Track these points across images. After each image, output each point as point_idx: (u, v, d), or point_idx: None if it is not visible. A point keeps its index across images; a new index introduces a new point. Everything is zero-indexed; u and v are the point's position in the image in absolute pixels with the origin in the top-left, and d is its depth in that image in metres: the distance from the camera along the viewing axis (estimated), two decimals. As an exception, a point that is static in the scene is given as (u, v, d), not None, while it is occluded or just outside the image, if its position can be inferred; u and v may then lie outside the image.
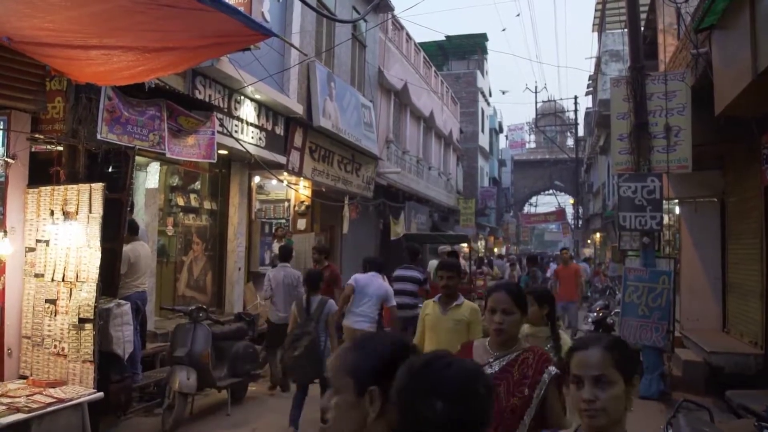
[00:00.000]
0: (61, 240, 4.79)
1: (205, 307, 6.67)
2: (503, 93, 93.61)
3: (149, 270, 6.58)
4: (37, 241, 4.91)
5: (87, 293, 4.62)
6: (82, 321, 4.61)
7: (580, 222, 34.14)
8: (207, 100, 7.68)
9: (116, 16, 3.52)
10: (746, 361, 6.76)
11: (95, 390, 4.50)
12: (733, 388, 5.61)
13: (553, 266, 14.82)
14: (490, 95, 34.79)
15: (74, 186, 4.85)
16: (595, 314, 8.48)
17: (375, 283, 6.33)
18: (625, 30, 8.04)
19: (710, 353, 6.97)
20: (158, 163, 7.61)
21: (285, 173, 10.17)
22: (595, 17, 22.98)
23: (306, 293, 5.68)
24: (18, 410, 3.97)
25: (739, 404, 5.02)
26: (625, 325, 7.24)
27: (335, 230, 13.48)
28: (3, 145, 4.88)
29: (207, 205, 9.22)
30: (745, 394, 5.34)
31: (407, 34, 17.93)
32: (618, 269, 14.98)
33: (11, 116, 4.84)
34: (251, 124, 9.01)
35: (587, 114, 32.17)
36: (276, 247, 10.28)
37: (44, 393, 4.34)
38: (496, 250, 32.31)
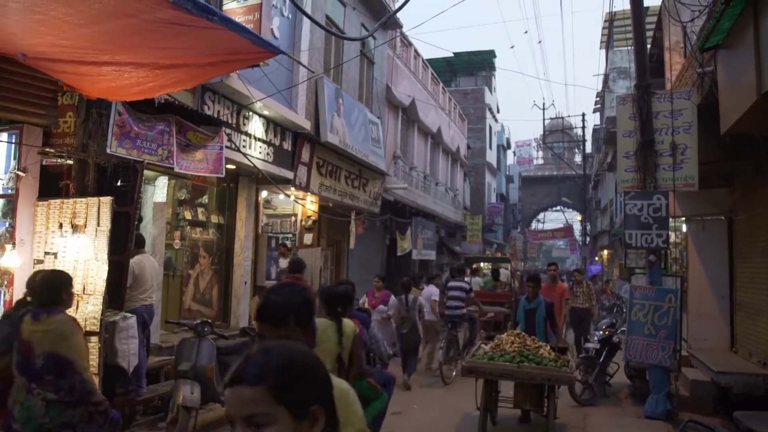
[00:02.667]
0: (69, 252, 4.84)
1: (210, 321, 6.67)
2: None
3: (156, 283, 6.61)
4: (46, 253, 4.97)
5: (93, 306, 4.66)
6: (88, 334, 4.63)
7: (588, 239, 34.01)
8: (216, 115, 7.77)
9: (128, 34, 3.60)
10: (755, 381, 6.67)
11: (100, 403, 4.51)
12: (741, 408, 5.55)
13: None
14: (498, 111, 34.92)
15: (83, 199, 4.92)
16: (601, 332, 8.41)
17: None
18: (632, 48, 8.08)
19: (718, 373, 6.89)
20: (166, 177, 7.68)
21: (292, 188, 10.23)
22: (602, 35, 23.12)
23: (403, 294, 8.64)
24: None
25: (747, 427, 4.96)
26: (632, 344, 7.19)
27: (342, 245, 13.51)
28: (14, 159, 4.98)
29: (214, 218, 9.28)
30: (754, 415, 5.28)
31: (415, 51, 18.08)
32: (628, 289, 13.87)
33: (23, 130, 4.94)
34: (259, 140, 9.10)
35: (595, 130, 32.22)
36: (282, 262, 10.32)
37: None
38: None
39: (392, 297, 8.78)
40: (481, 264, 18.95)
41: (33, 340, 3.27)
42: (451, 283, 10.06)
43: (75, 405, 3.24)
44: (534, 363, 5.47)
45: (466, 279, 11.57)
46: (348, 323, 3.48)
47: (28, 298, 3.76)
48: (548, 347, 5.94)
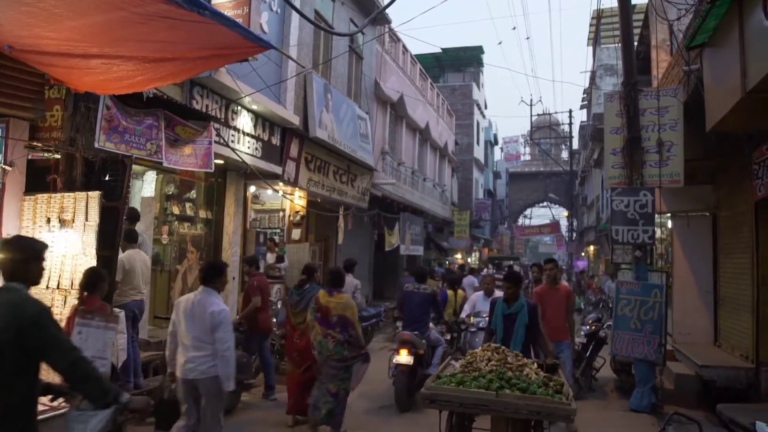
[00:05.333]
0: (57, 248, 4.80)
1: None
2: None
3: (146, 279, 6.58)
4: (33, 248, 4.91)
5: (82, 301, 4.62)
6: (77, 328, 4.61)
7: (574, 235, 34.26)
8: (204, 110, 7.72)
9: (117, 27, 3.57)
10: (737, 374, 6.80)
11: (88, 398, 4.48)
12: (724, 401, 5.65)
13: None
14: (486, 107, 35.03)
15: (71, 194, 4.88)
16: (588, 327, 8.50)
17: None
18: (620, 45, 8.15)
19: (702, 367, 7.00)
20: (154, 172, 7.63)
21: (281, 183, 10.21)
22: (589, 32, 23.24)
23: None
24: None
25: (729, 418, 5.06)
26: (618, 339, 7.28)
27: (330, 241, 13.51)
28: (1, 153, 4.91)
29: (202, 214, 9.24)
30: (736, 407, 5.38)
31: (404, 47, 18.07)
32: (613, 288, 13.54)
33: (9, 124, 4.88)
34: (248, 134, 9.06)
35: (582, 127, 32.43)
36: (269, 257, 10.31)
37: (37, 401, 4.32)
38: (470, 259, 32.32)
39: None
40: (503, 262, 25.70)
41: (330, 306, 5.67)
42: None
43: (349, 344, 5.61)
44: (518, 389, 3.98)
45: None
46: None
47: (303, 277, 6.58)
48: (535, 365, 4.53)
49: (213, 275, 4.57)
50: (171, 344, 4.58)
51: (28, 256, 2.78)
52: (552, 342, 6.35)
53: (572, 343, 7.43)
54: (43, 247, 2.87)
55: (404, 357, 6.78)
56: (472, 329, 8.22)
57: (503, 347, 4.67)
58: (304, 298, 6.26)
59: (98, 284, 4.42)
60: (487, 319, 6.71)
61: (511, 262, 25.16)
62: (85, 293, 4.40)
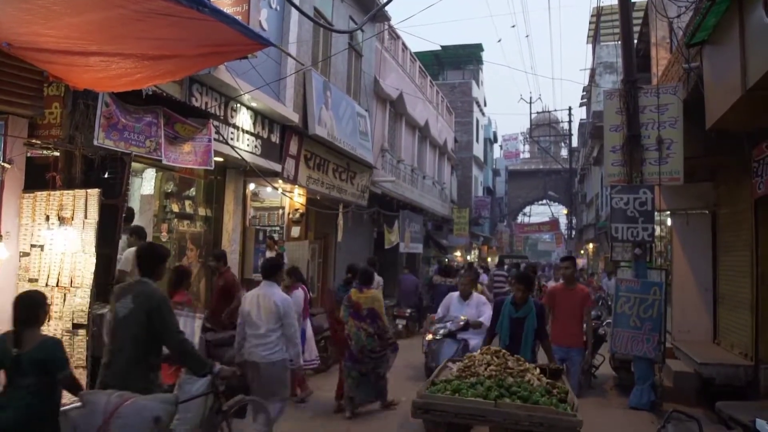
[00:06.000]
0: (56, 245, 4.80)
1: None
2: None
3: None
4: (32, 245, 4.91)
5: (81, 299, 4.63)
6: (76, 326, 4.62)
7: (573, 232, 34.28)
8: (203, 107, 7.71)
9: (116, 24, 3.56)
10: (736, 372, 6.81)
11: (88, 396, 4.50)
12: (723, 399, 5.66)
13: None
14: (485, 105, 35.01)
15: (70, 191, 4.87)
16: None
17: None
18: (619, 43, 8.14)
19: (701, 364, 7.01)
20: (154, 170, 7.62)
21: (280, 181, 10.20)
22: (589, 29, 23.23)
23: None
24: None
25: (728, 415, 5.06)
26: (617, 336, 7.29)
27: (330, 238, 13.50)
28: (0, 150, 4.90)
29: (201, 211, 9.22)
30: (735, 405, 5.39)
31: (403, 44, 18.05)
32: (612, 287, 13.24)
33: (8, 121, 4.86)
34: (247, 132, 9.04)
35: (581, 125, 32.45)
36: (269, 255, 10.30)
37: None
38: (489, 259, 32.38)
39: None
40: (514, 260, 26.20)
41: (360, 301, 6.50)
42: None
43: (379, 337, 6.47)
44: (519, 398, 3.70)
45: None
46: None
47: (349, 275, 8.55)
48: (537, 370, 4.29)
49: (273, 271, 5.45)
50: (239, 335, 5.36)
51: (159, 260, 3.87)
52: (562, 348, 6.29)
53: (587, 353, 6.79)
54: (168, 253, 4.07)
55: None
56: (438, 337, 7.08)
57: (504, 351, 4.43)
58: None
59: (183, 281, 5.60)
60: (449, 325, 6.97)
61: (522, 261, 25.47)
62: (172, 290, 5.35)
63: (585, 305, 6.72)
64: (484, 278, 13.76)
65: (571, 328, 6.57)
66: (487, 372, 4.06)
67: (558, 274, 7.60)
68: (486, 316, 6.49)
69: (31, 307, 3.48)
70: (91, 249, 4.65)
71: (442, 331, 7.02)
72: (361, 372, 6.51)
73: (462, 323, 6.85)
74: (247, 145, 9.03)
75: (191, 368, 3.74)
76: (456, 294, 7.15)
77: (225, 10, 4.69)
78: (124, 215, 6.24)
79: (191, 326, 4.92)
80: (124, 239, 6.09)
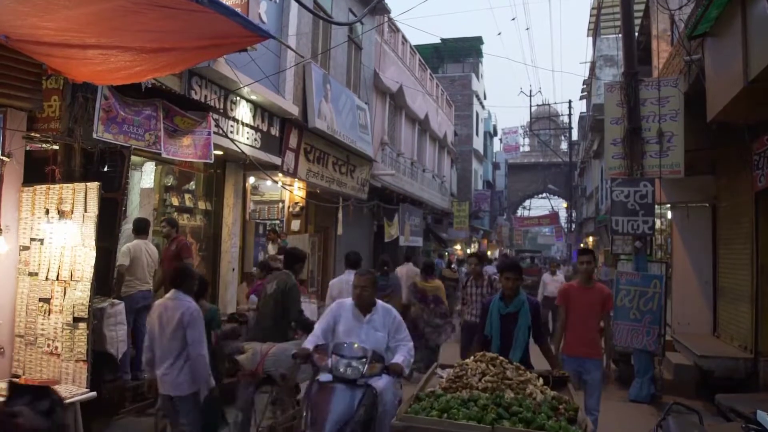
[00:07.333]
0: (56, 239, 4.78)
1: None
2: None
3: (150, 270, 6.57)
4: (32, 239, 4.90)
5: (81, 292, 4.62)
6: (76, 320, 4.61)
7: (573, 226, 34.28)
8: (203, 100, 7.68)
9: (115, 16, 3.53)
10: (736, 365, 6.83)
11: (88, 389, 4.50)
12: (723, 391, 5.67)
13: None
14: (485, 98, 34.93)
15: (70, 185, 4.85)
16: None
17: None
18: (620, 35, 8.11)
19: (701, 357, 7.03)
20: (153, 163, 7.59)
21: (280, 174, 10.18)
22: (590, 22, 23.12)
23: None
24: (11, 409, 3.97)
25: (728, 407, 5.07)
26: (617, 329, 7.30)
27: (329, 231, 13.50)
28: (-2, 144, 4.87)
29: (201, 205, 9.21)
30: (735, 397, 5.40)
31: (403, 37, 17.98)
32: (611, 273, 13.03)
33: (7, 114, 4.83)
34: (247, 125, 9.02)
35: (581, 118, 32.35)
36: (270, 248, 10.29)
37: (37, 392, 4.33)
38: (489, 253, 32.38)
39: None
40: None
41: (426, 288, 8.13)
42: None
43: (442, 316, 8.07)
44: (520, 422, 2.98)
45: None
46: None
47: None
48: (540, 380, 3.59)
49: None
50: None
51: (297, 260, 5.69)
52: (575, 359, 5.14)
53: (607, 365, 5.66)
54: (305, 256, 6.02)
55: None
56: (321, 379, 3.95)
57: (501, 358, 3.75)
58: (389, 284, 7.97)
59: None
60: (349, 363, 3.75)
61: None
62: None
63: (605, 308, 5.41)
64: (490, 269, 12.44)
65: (587, 334, 5.24)
66: (482, 384, 3.42)
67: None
68: (405, 350, 4.00)
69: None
70: (91, 242, 4.64)
71: (326, 374, 3.75)
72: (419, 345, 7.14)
73: (371, 364, 3.67)
74: (247, 138, 9.01)
75: (306, 331, 4.94)
76: (349, 303, 4.15)
77: (224, 2, 4.66)
78: (138, 227, 6.29)
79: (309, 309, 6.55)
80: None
